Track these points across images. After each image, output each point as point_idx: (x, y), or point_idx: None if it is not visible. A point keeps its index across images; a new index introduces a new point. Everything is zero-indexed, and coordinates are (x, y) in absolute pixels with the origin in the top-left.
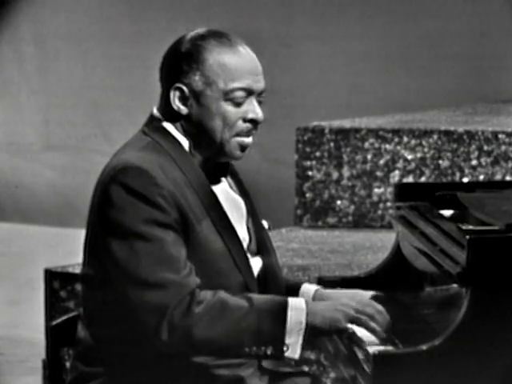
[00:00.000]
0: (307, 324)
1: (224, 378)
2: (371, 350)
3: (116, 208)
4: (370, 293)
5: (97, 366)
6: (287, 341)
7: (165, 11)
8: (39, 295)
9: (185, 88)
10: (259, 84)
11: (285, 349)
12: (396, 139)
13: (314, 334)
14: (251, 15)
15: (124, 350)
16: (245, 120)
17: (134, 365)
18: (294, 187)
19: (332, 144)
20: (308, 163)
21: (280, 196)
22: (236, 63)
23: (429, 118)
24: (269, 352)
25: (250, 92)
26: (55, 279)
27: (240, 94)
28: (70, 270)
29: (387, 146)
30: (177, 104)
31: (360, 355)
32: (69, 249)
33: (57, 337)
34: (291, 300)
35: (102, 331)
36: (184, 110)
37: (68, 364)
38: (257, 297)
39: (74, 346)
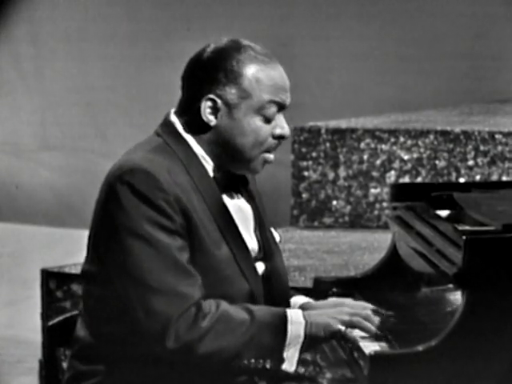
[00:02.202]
0: (305, 337)
1: (222, 381)
2: (367, 350)
3: (121, 209)
4: (359, 303)
5: (94, 364)
6: (285, 354)
7: (162, 11)
8: (35, 295)
9: (218, 100)
10: (288, 100)
11: (282, 362)
12: (392, 139)
13: (311, 344)
14: (248, 15)
15: (122, 349)
16: (274, 136)
17: (132, 364)
18: (291, 187)
19: (328, 144)
20: (304, 163)
21: (276, 196)
22: (272, 78)
23: (425, 118)
24: (267, 365)
25: (281, 107)
26: (52, 279)
27: (273, 109)
28: (67, 270)
29: (383, 147)
30: (207, 115)
31: (356, 356)
32: (65, 249)
33: (53, 337)
34: (290, 313)
35: (101, 329)
36: (213, 121)
37: (64, 364)
38: (257, 309)
39: (71, 345)
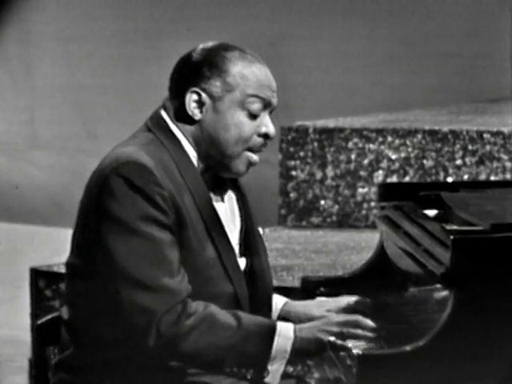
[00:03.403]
0: (292, 352)
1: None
2: (355, 350)
3: (116, 201)
4: (334, 301)
5: (77, 374)
6: (269, 367)
7: (150, 11)
8: (25, 294)
9: (202, 93)
10: (274, 100)
11: (265, 374)
12: (380, 139)
13: (299, 358)
14: (235, 15)
15: (105, 357)
16: (259, 134)
17: (115, 373)
18: (278, 187)
19: (316, 144)
20: (292, 163)
21: (264, 196)
22: (257, 76)
23: (413, 118)
24: (249, 375)
25: (266, 105)
26: (41, 278)
27: (257, 105)
28: (56, 269)
29: (371, 146)
30: (192, 108)
31: (344, 355)
32: (54, 248)
33: (42, 336)
34: (280, 326)
35: (85, 327)
36: (198, 115)
37: (53, 362)
38: (246, 316)
39: (58, 349)
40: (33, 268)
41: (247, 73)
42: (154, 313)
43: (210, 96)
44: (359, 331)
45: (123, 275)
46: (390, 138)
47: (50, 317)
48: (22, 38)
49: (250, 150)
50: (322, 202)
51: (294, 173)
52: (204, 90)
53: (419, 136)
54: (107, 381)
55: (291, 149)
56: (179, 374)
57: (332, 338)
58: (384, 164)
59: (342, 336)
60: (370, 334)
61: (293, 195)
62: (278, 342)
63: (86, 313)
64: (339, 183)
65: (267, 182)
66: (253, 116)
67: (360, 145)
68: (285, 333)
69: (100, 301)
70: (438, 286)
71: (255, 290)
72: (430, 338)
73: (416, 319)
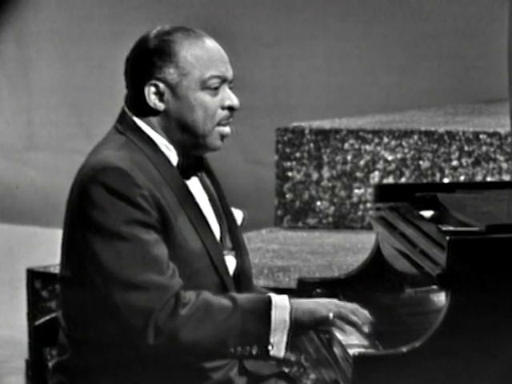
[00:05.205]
0: (291, 321)
1: (203, 381)
2: (351, 351)
3: (97, 208)
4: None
5: (75, 377)
6: (272, 340)
7: (146, 12)
8: (21, 295)
9: (160, 83)
10: (230, 72)
11: (269, 348)
12: (376, 140)
13: (298, 330)
14: (231, 15)
15: (103, 359)
16: (223, 108)
17: (114, 375)
18: (274, 188)
19: (312, 145)
20: (288, 164)
21: (260, 197)
22: (207, 53)
23: (409, 119)
24: (254, 352)
25: (223, 79)
26: (37, 279)
27: (214, 81)
28: (52, 270)
29: (367, 147)
30: (153, 101)
31: (340, 357)
32: (51, 249)
33: (39, 337)
34: (274, 298)
35: (82, 334)
36: (161, 106)
37: (51, 364)
38: (240, 296)
39: (57, 352)
40: (29, 269)
41: (197, 52)
42: (150, 311)
43: (168, 85)
44: (354, 318)
45: (114, 280)
46: (386, 139)
47: (47, 318)
48: (18, 38)
49: (219, 124)
50: (318, 203)
51: (290, 174)
52: (160, 80)
53: (415, 137)
54: (106, 382)
55: (287, 150)
56: (179, 373)
57: (331, 315)
58: (380, 165)
59: (340, 316)
60: (365, 328)
61: (289, 196)
62: (275, 314)
63: (83, 322)
64: (335, 184)
65: (263, 183)
66: (213, 92)
67: (356, 146)
68: (280, 303)
69: (95, 308)
70: (434, 287)
71: (240, 288)
72: (426, 339)
73: (412, 320)
